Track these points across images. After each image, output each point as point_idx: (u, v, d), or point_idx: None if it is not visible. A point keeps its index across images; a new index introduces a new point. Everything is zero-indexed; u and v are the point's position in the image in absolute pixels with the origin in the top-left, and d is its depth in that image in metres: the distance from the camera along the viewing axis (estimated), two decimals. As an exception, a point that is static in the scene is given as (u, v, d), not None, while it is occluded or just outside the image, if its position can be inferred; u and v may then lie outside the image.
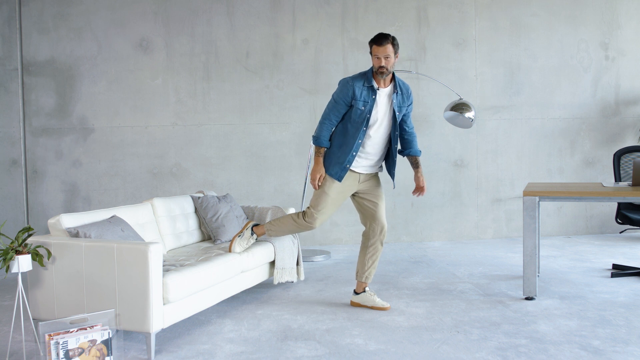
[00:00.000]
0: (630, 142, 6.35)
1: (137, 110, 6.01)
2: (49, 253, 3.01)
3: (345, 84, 3.54)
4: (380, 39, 3.47)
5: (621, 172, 4.75)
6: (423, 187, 3.77)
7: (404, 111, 3.67)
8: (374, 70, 3.54)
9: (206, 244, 4.15)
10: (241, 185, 6.07)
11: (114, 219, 3.41)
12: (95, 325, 2.75)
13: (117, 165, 6.02)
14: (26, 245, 2.87)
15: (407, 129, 3.75)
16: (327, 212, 3.65)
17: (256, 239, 3.87)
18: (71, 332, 2.67)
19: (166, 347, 3.10)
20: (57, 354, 2.60)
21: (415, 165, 3.80)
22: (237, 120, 6.06)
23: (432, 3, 6.15)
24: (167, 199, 4.12)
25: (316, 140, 3.62)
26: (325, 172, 3.63)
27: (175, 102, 6.03)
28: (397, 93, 3.59)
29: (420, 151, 3.81)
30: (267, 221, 4.44)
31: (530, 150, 6.33)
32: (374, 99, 3.53)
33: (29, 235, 2.92)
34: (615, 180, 4.77)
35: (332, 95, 3.60)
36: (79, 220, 3.27)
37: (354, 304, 3.82)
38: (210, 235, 4.29)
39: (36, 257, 2.89)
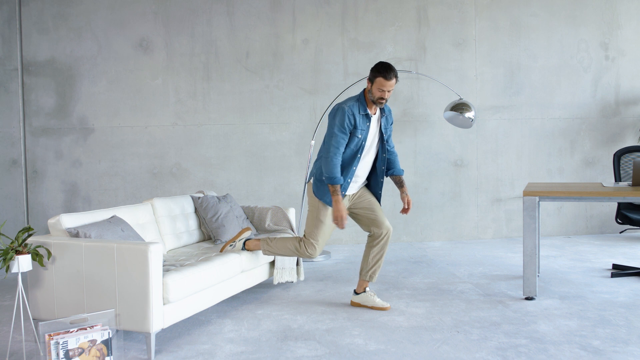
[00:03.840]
0: (630, 142, 6.35)
1: (137, 110, 6.01)
2: (49, 253, 3.01)
3: (345, 112, 3.44)
4: (389, 73, 3.39)
5: (621, 172, 4.75)
6: (409, 207, 3.76)
7: (389, 132, 3.69)
8: (371, 99, 3.49)
9: (206, 244, 4.15)
10: (241, 185, 6.07)
11: (114, 219, 3.41)
12: (95, 325, 2.75)
13: (117, 165, 6.02)
14: (26, 245, 2.87)
15: (389, 148, 3.77)
16: (325, 239, 3.63)
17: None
18: (71, 332, 2.67)
19: (166, 347, 3.10)
20: (57, 354, 2.60)
21: (399, 184, 3.81)
22: (237, 120, 6.06)
23: (432, 3, 6.15)
24: (167, 199, 4.12)
25: (332, 180, 3.42)
26: (320, 199, 3.55)
27: (175, 102, 6.03)
28: (384, 117, 3.62)
29: (402, 170, 3.82)
30: (266, 223, 4.45)
31: (530, 150, 6.33)
32: (369, 126, 3.54)
33: (29, 235, 2.92)
34: (615, 180, 4.77)
35: (334, 129, 3.45)
36: (79, 220, 3.27)
37: (354, 304, 3.81)
38: (210, 235, 4.29)
39: (36, 257, 2.89)
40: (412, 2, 6.14)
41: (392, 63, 6.08)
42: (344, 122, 3.43)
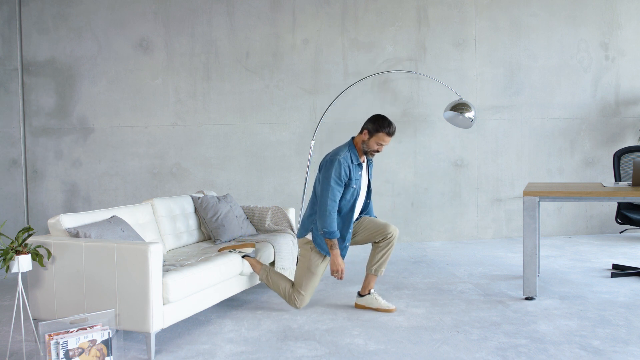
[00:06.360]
0: (630, 142, 6.35)
1: (137, 110, 6.01)
2: (49, 253, 3.01)
3: (340, 163, 3.42)
4: (392, 129, 3.44)
5: (621, 172, 4.75)
6: None
7: (371, 177, 3.76)
8: (365, 149, 3.51)
9: (206, 244, 4.15)
10: (241, 185, 6.07)
11: (114, 219, 3.41)
12: (95, 325, 2.75)
13: (117, 165, 6.02)
14: (26, 245, 2.87)
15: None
16: (313, 290, 3.65)
17: None
18: (71, 332, 2.67)
19: (166, 347, 3.10)
20: (57, 354, 2.60)
21: None
22: (237, 120, 6.06)
23: (432, 3, 6.15)
24: (167, 199, 4.12)
25: (331, 234, 3.44)
26: (323, 252, 3.55)
27: (175, 102, 6.03)
28: (369, 164, 3.68)
29: (375, 217, 3.87)
30: (266, 223, 4.44)
31: (530, 150, 6.33)
32: (361, 175, 3.57)
33: (29, 235, 2.92)
34: (615, 180, 4.77)
35: (330, 181, 3.41)
36: (79, 220, 3.27)
37: (358, 307, 3.76)
38: (210, 235, 4.29)
39: (36, 257, 2.89)
40: (412, 2, 6.14)
41: (392, 63, 6.10)
42: (340, 174, 3.42)
